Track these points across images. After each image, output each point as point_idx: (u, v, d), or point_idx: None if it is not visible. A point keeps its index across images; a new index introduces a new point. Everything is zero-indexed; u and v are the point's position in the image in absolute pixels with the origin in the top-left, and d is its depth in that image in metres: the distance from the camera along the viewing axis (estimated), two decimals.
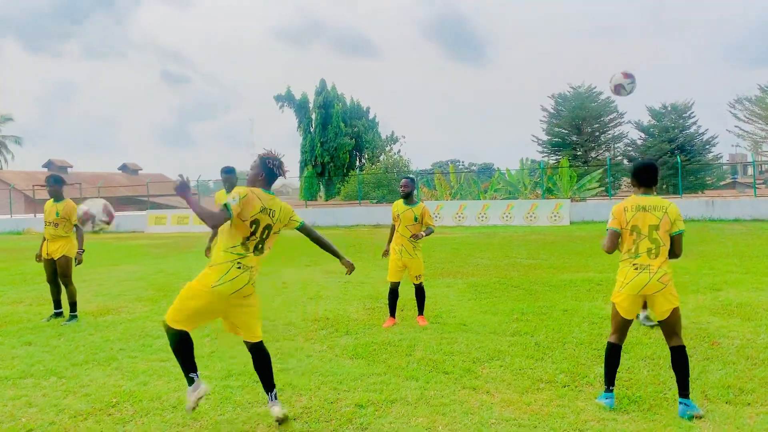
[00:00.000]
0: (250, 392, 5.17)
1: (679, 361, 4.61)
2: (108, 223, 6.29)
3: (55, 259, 8.16)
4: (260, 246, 4.46)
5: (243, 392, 5.18)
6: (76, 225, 8.10)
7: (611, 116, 53.64)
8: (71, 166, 59.66)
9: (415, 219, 7.66)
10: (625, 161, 52.61)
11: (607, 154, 54.87)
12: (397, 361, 5.94)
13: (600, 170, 34.71)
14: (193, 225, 28.53)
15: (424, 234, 7.66)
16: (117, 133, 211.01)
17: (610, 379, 4.74)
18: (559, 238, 19.64)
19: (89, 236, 27.84)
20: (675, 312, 4.58)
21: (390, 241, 7.98)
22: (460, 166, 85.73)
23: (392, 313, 7.78)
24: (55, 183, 8.38)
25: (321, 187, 56.49)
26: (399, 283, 7.73)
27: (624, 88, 6.86)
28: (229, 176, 7.92)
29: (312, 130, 56.71)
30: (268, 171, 4.57)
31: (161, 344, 6.78)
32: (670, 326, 4.65)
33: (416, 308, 7.86)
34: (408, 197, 7.77)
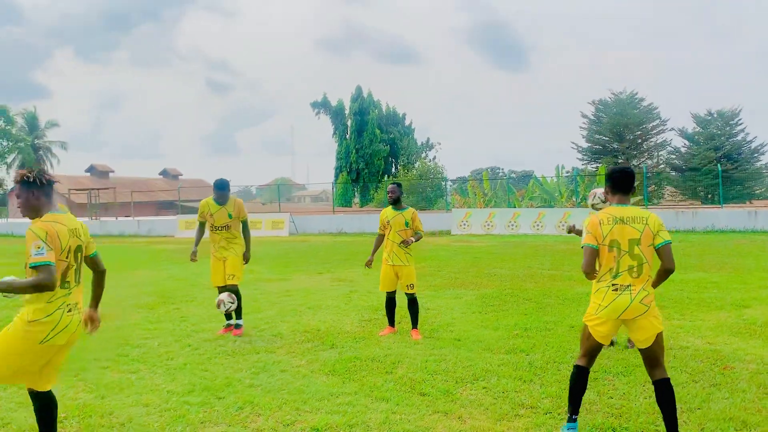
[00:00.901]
0: (208, 410, 4.85)
1: (665, 396, 4.07)
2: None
3: None
4: (78, 272, 3.82)
5: (200, 410, 4.86)
6: None
7: (654, 123, 52.06)
8: (113, 171, 60.96)
9: (406, 224, 7.47)
10: (668, 169, 51.05)
11: (649, 162, 53.36)
12: (373, 380, 5.54)
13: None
14: None
15: (413, 240, 7.33)
16: (163, 140, 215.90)
17: (574, 406, 4.28)
18: None
19: (122, 240, 28.19)
20: (659, 338, 4.06)
21: (374, 251, 7.77)
22: (500, 174, 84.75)
23: (391, 323, 7.58)
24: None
25: (356, 193, 56.39)
26: (395, 291, 7.56)
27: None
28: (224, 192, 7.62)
29: (347, 136, 56.71)
30: (39, 188, 3.65)
31: (138, 354, 6.55)
32: (654, 355, 4.11)
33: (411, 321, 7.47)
34: (396, 203, 7.62)
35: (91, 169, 59.83)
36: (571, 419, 4.25)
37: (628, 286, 3.99)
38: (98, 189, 40.64)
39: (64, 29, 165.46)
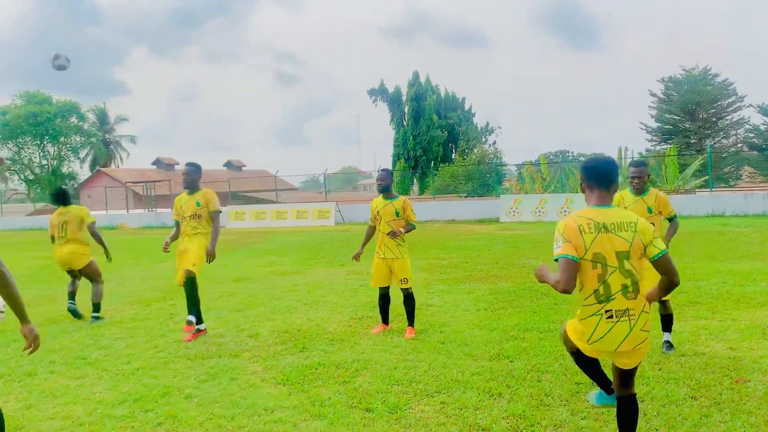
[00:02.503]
0: (126, 425, 4.42)
1: (628, 413, 3.47)
2: None
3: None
4: None
5: (118, 424, 4.44)
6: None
7: (730, 100, 48.84)
8: (177, 164, 62.44)
9: (396, 213, 6.86)
10: (745, 148, 47.88)
11: (725, 141, 50.24)
12: (323, 391, 4.98)
13: (699, 159, 31.31)
14: (270, 220, 28.64)
15: (403, 230, 6.72)
16: (233, 132, 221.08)
17: (600, 382, 3.80)
18: None
19: (161, 231, 28.52)
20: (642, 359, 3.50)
21: (364, 243, 7.17)
22: (569, 158, 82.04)
23: (384, 320, 7.09)
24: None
25: (414, 181, 55.70)
26: (388, 287, 7.02)
27: None
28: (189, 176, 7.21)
29: (405, 123, 56.01)
30: None
31: (97, 356, 6.23)
32: (629, 375, 3.46)
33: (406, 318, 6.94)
34: (386, 191, 6.99)
35: (157, 162, 61.56)
36: (605, 389, 3.80)
37: (625, 310, 3.24)
38: (154, 181, 41.58)
39: (140, 28, 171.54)
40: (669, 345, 5.87)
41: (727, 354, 5.64)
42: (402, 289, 6.88)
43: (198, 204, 7.01)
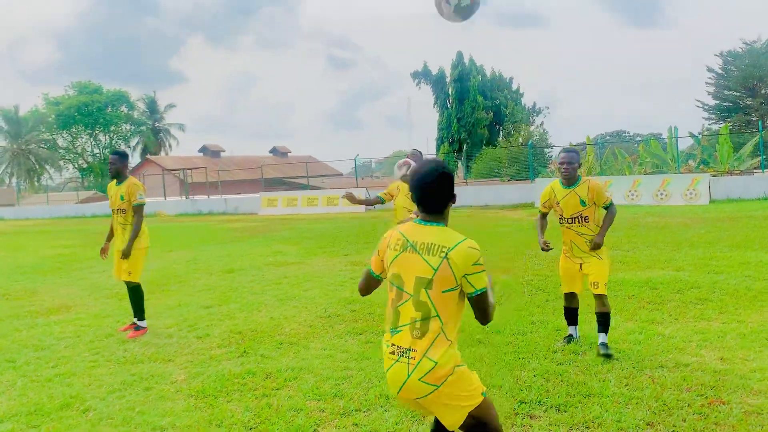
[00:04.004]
0: None
1: None
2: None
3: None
4: None
5: None
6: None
7: None
8: (224, 150, 63.11)
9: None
10: None
11: None
12: (234, 407, 4.46)
13: (754, 139, 29.26)
14: (301, 207, 28.34)
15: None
16: (287, 118, 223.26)
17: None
18: (679, 219, 16.43)
19: (204, 218, 28.59)
20: (474, 417, 2.66)
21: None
22: (626, 138, 79.19)
23: None
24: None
25: (459, 165, 54.60)
26: None
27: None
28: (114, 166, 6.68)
29: (449, 105, 54.86)
30: None
31: (30, 358, 5.88)
32: None
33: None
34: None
35: (203, 149, 62.29)
36: None
37: (406, 350, 2.64)
38: (188, 168, 41.93)
39: (195, 17, 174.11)
40: (605, 347, 5.22)
41: (714, 366, 4.84)
42: None
43: (122, 197, 6.53)
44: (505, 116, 55.24)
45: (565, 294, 5.65)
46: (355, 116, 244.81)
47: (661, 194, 22.14)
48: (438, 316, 2.60)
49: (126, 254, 6.39)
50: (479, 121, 53.40)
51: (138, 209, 6.48)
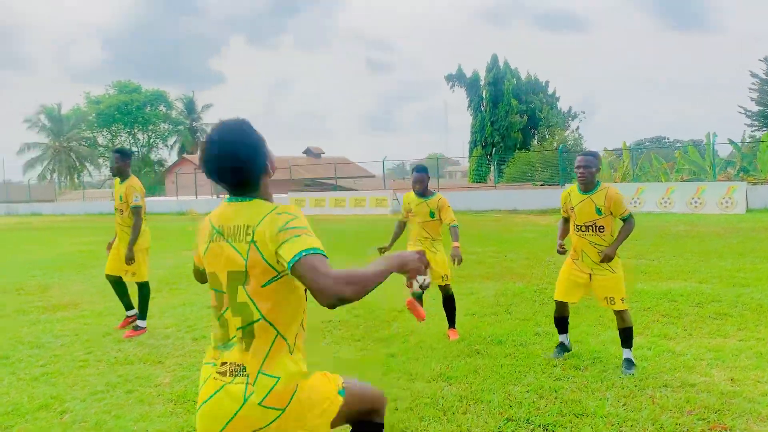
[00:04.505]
0: None
1: None
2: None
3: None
4: None
5: None
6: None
7: None
8: None
9: (431, 215, 6.14)
10: None
11: None
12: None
13: None
14: (328, 208, 28.31)
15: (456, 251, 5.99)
16: (324, 119, 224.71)
17: None
18: (711, 229, 15.86)
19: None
20: (344, 417, 2.25)
21: (394, 239, 6.46)
22: (666, 143, 77.47)
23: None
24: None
25: (492, 168, 54.06)
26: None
27: None
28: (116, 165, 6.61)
29: (482, 108, 54.38)
30: None
31: (24, 355, 5.83)
32: None
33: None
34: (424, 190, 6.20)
35: None
36: None
37: (241, 368, 2.06)
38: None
39: (237, 18, 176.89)
40: (629, 364, 4.95)
41: (722, 387, 4.52)
42: (441, 287, 6.19)
43: (120, 197, 6.46)
44: (540, 120, 54.58)
45: (557, 302, 5.36)
46: (392, 118, 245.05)
47: (695, 202, 21.46)
48: (264, 318, 2.04)
49: (129, 259, 6.35)
50: (513, 124, 52.87)
51: (134, 211, 6.39)
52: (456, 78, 55.51)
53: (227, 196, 2.18)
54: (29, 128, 62.30)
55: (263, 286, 2.03)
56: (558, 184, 30.33)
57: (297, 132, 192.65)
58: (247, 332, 2.06)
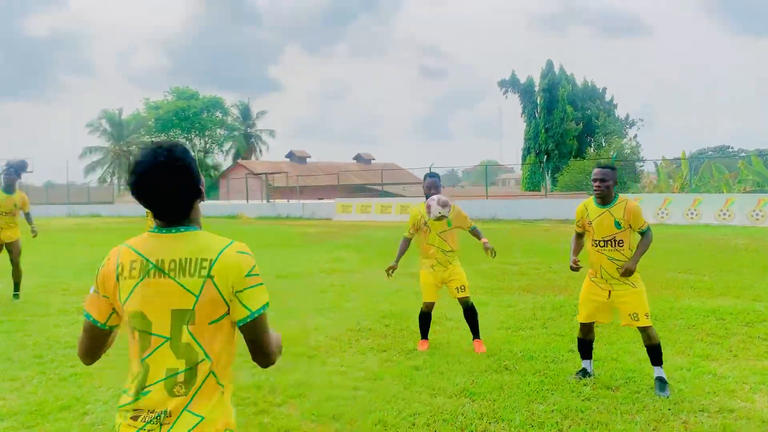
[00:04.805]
0: None
1: None
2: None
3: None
4: None
5: None
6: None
7: None
8: (309, 157, 64.35)
9: (448, 223, 5.96)
10: None
11: None
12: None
13: None
14: (374, 214, 28.30)
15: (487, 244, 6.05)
16: (377, 126, 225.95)
17: None
18: None
19: (279, 221, 29.07)
20: None
21: (399, 257, 6.20)
22: (731, 153, 74.72)
23: (424, 335, 6.21)
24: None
25: (546, 176, 53.13)
26: (433, 304, 6.16)
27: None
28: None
29: (537, 115, 53.57)
30: None
31: (54, 356, 5.95)
32: None
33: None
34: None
35: (290, 155, 63.75)
36: None
37: (159, 414, 1.82)
38: (271, 173, 42.79)
39: (293, 26, 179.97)
40: (662, 384, 4.71)
41: (763, 415, 4.25)
42: (460, 299, 6.00)
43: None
44: (596, 127, 53.37)
45: (582, 324, 5.12)
46: (445, 125, 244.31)
47: (757, 215, 20.52)
48: (207, 357, 1.86)
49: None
50: (568, 131, 51.87)
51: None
52: (510, 84, 54.84)
53: (153, 225, 1.98)
54: (91, 132, 64.79)
55: (211, 323, 1.86)
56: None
57: (350, 139, 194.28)
58: (189, 377, 1.85)
